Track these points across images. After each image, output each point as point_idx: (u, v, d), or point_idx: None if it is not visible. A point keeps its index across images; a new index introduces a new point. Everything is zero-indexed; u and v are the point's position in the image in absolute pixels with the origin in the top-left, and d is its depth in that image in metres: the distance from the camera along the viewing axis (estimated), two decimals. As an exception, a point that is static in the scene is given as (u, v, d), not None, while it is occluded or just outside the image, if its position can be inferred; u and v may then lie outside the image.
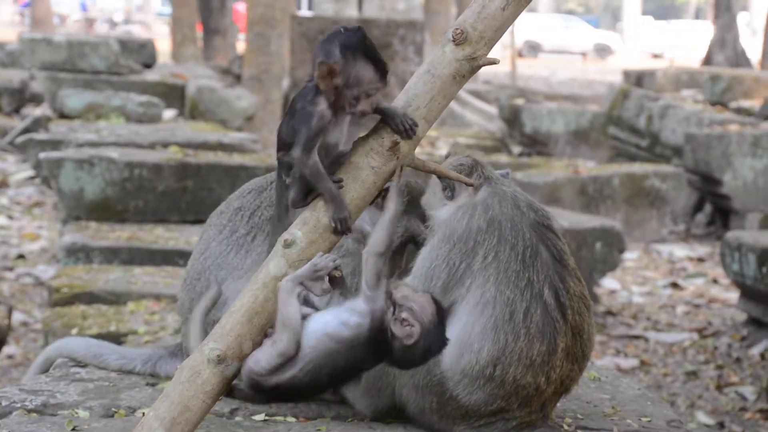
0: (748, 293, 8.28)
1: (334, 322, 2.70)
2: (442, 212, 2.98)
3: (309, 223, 2.71)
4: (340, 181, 2.73)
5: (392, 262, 2.91)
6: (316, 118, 2.69)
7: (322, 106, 2.69)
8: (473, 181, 2.95)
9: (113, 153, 8.05)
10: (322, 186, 2.70)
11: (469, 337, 2.85)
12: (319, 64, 2.65)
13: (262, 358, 2.68)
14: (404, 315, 2.70)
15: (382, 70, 2.69)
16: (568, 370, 2.91)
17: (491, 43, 2.69)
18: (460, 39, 2.68)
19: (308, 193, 2.74)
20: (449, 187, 2.98)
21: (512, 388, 2.85)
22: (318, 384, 2.74)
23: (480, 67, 2.70)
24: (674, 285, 10.03)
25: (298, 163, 2.71)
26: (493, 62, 2.69)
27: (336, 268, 2.69)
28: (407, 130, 2.70)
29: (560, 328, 2.87)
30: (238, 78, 17.51)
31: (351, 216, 2.72)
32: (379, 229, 2.75)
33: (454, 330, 2.86)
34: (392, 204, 2.77)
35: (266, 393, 2.74)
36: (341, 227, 2.70)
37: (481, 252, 2.88)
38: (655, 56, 48.77)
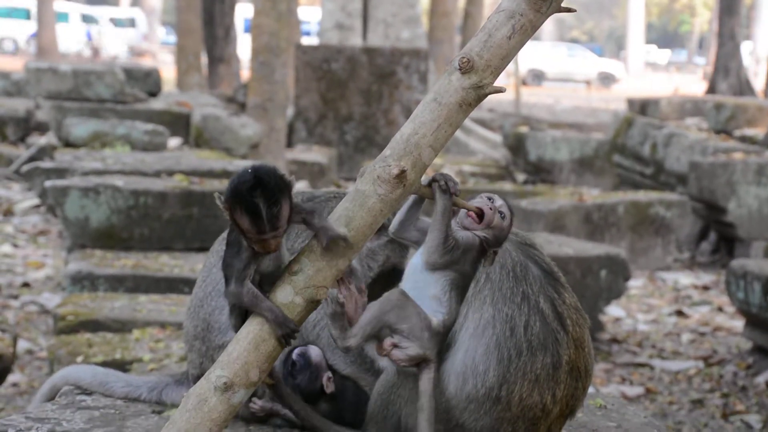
0: (753, 321, 8.26)
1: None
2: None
3: (315, 250, 2.71)
4: None
5: (373, 291, 2.91)
6: (243, 248, 2.69)
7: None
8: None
9: (118, 181, 8.06)
10: (262, 308, 2.67)
11: (473, 361, 2.85)
12: (216, 198, 2.71)
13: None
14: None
15: (259, 225, 2.64)
16: (572, 388, 2.90)
17: (497, 71, 2.70)
18: (466, 67, 2.69)
19: (247, 315, 2.72)
20: None
21: (519, 410, 2.85)
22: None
23: (486, 95, 2.71)
24: (679, 313, 10.00)
25: (233, 295, 2.69)
26: (500, 90, 2.70)
27: (341, 305, 2.73)
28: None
29: (561, 338, 2.88)
30: (242, 106, 17.55)
31: (297, 328, 2.68)
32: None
33: (457, 357, 2.86)
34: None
35: None
36: (286, 342, 2.68)
37: None
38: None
